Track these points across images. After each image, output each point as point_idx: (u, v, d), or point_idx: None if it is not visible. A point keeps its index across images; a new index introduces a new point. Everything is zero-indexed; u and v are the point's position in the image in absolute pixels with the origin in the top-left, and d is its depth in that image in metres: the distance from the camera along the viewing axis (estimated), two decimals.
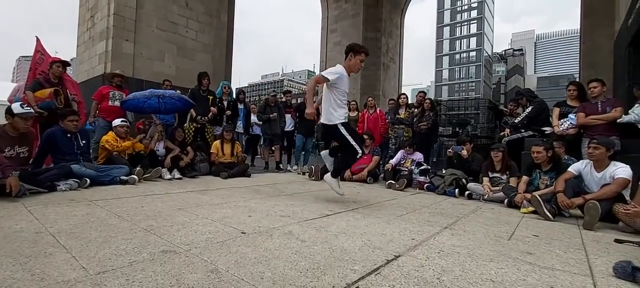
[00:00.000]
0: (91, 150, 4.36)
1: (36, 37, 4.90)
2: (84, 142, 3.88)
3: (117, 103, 5.13)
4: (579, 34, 11.34)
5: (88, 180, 3.36)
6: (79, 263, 1.41)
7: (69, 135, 3.74)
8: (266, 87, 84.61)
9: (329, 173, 3.26)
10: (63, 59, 4.47)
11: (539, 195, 3.06)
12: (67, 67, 4.56)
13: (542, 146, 3.45)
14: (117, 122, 4.38)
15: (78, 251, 1.55)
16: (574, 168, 3.21)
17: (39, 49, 4.84)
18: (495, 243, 2.13)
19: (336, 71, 3.07)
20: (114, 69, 6.50)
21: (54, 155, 3.69)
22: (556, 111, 4.52)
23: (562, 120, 4.39)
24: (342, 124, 3.11)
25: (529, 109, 4.72)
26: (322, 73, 3.09)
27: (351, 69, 3.15)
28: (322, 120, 3.20)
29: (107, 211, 2.39)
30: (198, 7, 9.75)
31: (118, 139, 4.30)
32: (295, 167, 6.65)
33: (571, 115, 4.30)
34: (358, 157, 3.23)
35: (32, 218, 2.09)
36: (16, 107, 3.18)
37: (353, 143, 3.11)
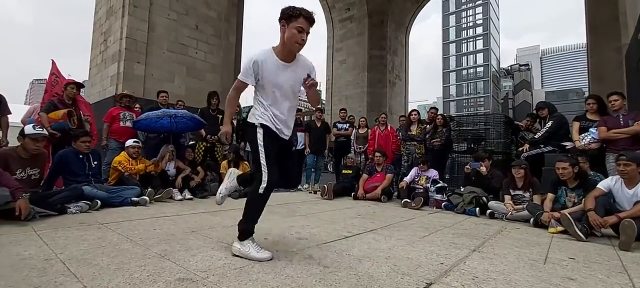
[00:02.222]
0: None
1: (52, 60, 5.00)
2: (95, 163, 3.84)
3: (128, 124, 5.14)
4: (585, 49, 11.42)
5: (99, 202, 3.29)
6: None
7: (80, 156, 3.72)
8: None
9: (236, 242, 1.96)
10: (77, 80, 4.52)
11: (568, 214, 2.89)
12: (81, 89, 4.60)
13: (567, 162, 3.30)
14: (129, 142, 4.36)
15: (90, 280, 1.46)
16: (604, 185, 3.05)
17: (54, 72, 4.92)
18: (531, 267, 1.98)
19: (249, 61, 1.96)
20: (126, 90, 6.56)
21: (65, 176, 3.64)
22: (576, 125, 4.38)
23: (582, 135, 4.24)
24: (263, 127, 1.98)
25: (549, 123, 4.59)
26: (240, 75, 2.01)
27: (286, 47, 1.96)
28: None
29: (119, 235, 2.30)
30: (207, 29, 9.95)
31: (130, 159, 4.26)
32: (306, 186, 6.53)
33: (592, 129, 4.16)
34: (261, 192, 1.89)
35: (41, 244, 2.01)
36: (28, 128, 3.16)
37: (264, 164, 1.90)
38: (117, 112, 5.17)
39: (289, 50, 1.98)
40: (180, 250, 1.98)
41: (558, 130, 4.55)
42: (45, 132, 3.34)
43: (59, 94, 4.61)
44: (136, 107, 5.58)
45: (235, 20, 10.85)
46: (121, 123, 5.10)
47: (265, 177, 1.89)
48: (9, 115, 4.08)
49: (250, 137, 2.06)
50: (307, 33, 1.94)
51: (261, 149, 1.94)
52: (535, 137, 4.79)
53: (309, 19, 1.92)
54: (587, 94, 10.56)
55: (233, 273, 1.63)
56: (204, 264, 1.74)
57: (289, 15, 1.90)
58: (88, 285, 1.40)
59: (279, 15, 1.95)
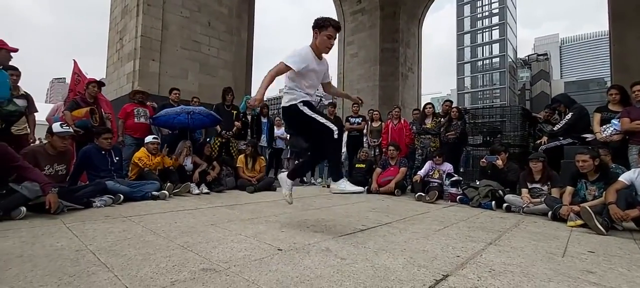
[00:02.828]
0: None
1: (74, 60, 5.17)
2: (117, 158, 3.98)
3: (142, 120, 5.26)
4: (607, 37, 11.00)
5: (122, 196, 3.42)
6: (122, 282, 1.39)
7: (103, 152, 3.86)
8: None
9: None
10: (98, 79, 4.67)
11: (588, 207, 2.84)
12: (102, 87, 4.75)
13: (587, 154, 3.22)
14: (149, 138, 4.49)
15: (120, 270, 1.53)
16: (626, 177, 2.98)
17: (76, 71, 5.08)
18: (549, 260, 1.96)
19: (300, 55, 2.40)
20: (141, 87, 6.72)
21: (89, 172, 3.80)
22: (597, 117, 4.26)
23: (604, 126, 4.13)
24: (304, 102, 2.47)
25: (569, 115, 4.47)
26: (284, 59, 2.39)
27: (319, 49, 2.47)
28: (283, 104, 2.56)
29: (143, 227, 2.40)
30: (219, 26, 10.04)
31: (149, 155, 4.39)
32: (319, 180, 6.58)
33: (614, 121, 4.04)
34: (335, 136, 2.36)
35: (71, 236, 2.12)
36: (56, 127, 3.31)
37: (323, 120, 2.40)
38: (131, 108, 5.25)
39: (319, 52, 2.52)
40: (201, 242, 2.05)
41: (578, 123, 4.43)
42: (71, 130, 3.48)
43: (81, 92, 4.77)
44: (148, 104, 5.65)
45: (246, 16, 10.89)
46: (135, 119, 5.21)
47: (331, 127, 2.35)
48: (35, 113, 4.26)
49: (294, 115, 2.47)
50: (335, 38, 2.47)
51: (314, 115, 2.41)
52: (554, 129, 4.68)
53: (337, 27, 2.44)
54: (609, 85, 10.28)
55: (254, 264, 1.69)
56: (225, 255, 1.80)
57: (321, 25, 2.41)
58: (118, 274, 1.48)
59: (312, 24, 2.46)
